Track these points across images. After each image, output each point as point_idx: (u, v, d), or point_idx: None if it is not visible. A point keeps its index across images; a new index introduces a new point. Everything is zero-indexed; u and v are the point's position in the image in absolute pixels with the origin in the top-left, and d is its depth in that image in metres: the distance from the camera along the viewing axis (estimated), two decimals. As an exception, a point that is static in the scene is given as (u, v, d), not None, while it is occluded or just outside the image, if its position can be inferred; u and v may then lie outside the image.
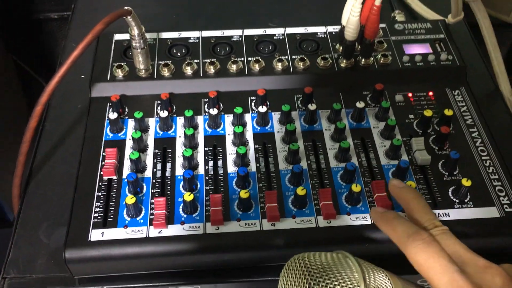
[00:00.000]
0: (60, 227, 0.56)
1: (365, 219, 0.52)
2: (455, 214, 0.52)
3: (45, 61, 1.59)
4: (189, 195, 0.51)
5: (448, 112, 0.58)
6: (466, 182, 0.52)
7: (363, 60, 0.64)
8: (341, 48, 0.65)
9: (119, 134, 0.59)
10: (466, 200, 0.53)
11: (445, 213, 0.52)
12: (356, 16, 0.59)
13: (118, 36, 0.67)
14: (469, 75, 0.66)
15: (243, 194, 0.51)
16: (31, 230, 0.56)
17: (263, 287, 0.53)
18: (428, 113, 0.58)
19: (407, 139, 0.58)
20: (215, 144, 0.58)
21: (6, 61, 1.49)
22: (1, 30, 1.45)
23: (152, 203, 0.53)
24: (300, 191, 0.51)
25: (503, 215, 0.52)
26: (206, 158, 0.57)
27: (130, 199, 0.50)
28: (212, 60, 0.64)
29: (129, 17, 0.56)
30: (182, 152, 0.54)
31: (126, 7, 0.56)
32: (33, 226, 0.56)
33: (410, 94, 0.63)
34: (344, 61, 0.64)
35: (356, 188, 0.51)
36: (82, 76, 0.69)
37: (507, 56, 1.64)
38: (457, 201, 0.53)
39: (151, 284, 0.52)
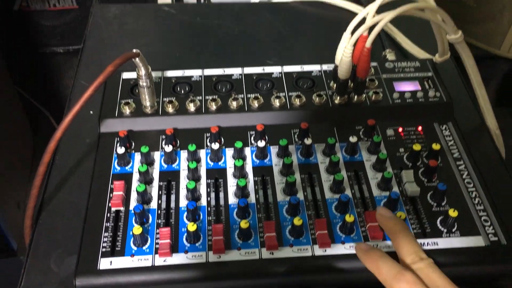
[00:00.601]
0: (69, 256, 0.58)
1: (359, 248, 0.55)
2: (443, 243, 0.55)
3: (50, 93, 1.63)
4: (192, 225, 0.54)
5: (436, 146, 0.62)
6: (453, 213, 0.55)
7: (356, 97, 0.68)
8: (335, 85, 0.69)
9: (126, 168, 0.62)
10: (453, 230, 0.56)
11: (434, 242, 0.55)
12: (348, 57, 0.63)
13: (125, 75, 0.71)
14: (457, 110, 0.70)
15: (243, 224, 0.54)
16: (42, 259, 0.58)
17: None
18: (417, 147, 0.62)
19: (398, 172, 0.62)
20: (217, 177, 0.61)
21: (13, 94, 1.54)
22: (8, 64, 1.50)
23: (157, 233, 0.56)
24: (297, 221, 0.54)
25: (489, 244, 0.55)
26: (208, 190, 0.60)
27: (137, 230, 0.54)
28: (214, 97, 0.68)
29: (137, 59, 0.60)
30: (186, 185, 0.58)
31: (134, 50, 0.60)
32: (44, 255, 0.59)
33: (400, 129, 0.67)
34: (338, 98, 0.68)
35: (349, 218, 0.55)
36: (91, 112, 0.73)
37: (499, 88, 1.68)
38: (445, 230, 0.56)
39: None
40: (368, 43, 0.61)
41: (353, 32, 0.63)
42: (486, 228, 0.57)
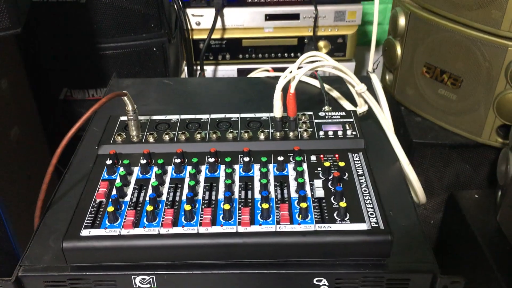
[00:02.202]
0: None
1: (271, 228, 0.73)
2: (336, 227, 0.73)
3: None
4: (150, 207, 0.75)
5: (341, 163, 0.82)
6: (342, 204, 0.74)
7: (290, 133, 0.90)
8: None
9: (112, 176, 0.84)
10: (345, 219, 0.74)
11: (328, 226, 0.73)
12: (278, 99, 0.86)
13: (122, 118, 0.96)
14: (375, 148, 0.90)
15: (187, 207, 0.74)
16: (44, 239, 0.79)
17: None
18: (327, 164, 0.82)
19: (312, 182, 0.82)
20: (177, 183, 0.83)
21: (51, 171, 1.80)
22: (49, 145, 1.73)
23: (126, 215, 0.76)
24: (226, 206, 0.74)
25: (370, 228, 0.73)
26: (169, 190, 0.81)
27: (110, 209, 0.75)
28: (185, 132, 0.91)
29: (125, 97, 0.85)
30: (151, 183, 0.79)
31: (124, 91, 0.85)
32: (46, 236, 0.80)
33: (322, 156, 0.87)
34: (277, 133, 0.90)
35: (265, 205, 0.74)
36: (96, 147, 0.97)
37: (489, 174, 1.82)
38: (339, 219, 0.75)
39: (121, 273, 0.74)
40: (291, 89, 0.85)
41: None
42: (371, 218, 0.74)
